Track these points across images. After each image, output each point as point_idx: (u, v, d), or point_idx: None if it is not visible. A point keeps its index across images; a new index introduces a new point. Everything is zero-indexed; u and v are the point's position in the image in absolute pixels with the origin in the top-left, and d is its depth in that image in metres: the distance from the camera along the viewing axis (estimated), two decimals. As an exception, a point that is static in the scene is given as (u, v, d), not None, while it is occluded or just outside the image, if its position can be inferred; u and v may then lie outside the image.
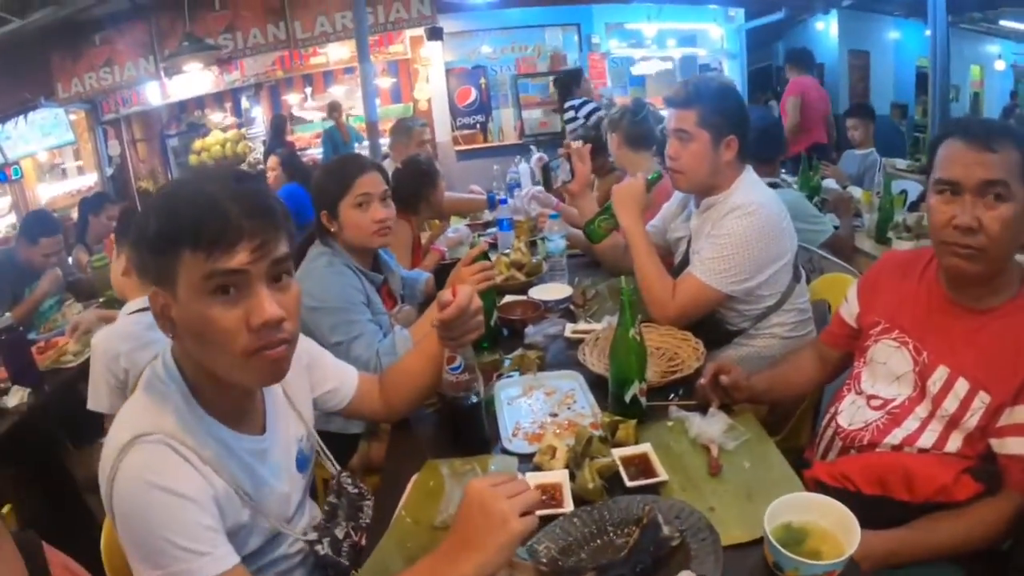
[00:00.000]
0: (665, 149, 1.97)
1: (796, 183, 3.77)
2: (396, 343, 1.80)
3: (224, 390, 1.04)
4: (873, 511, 1.05)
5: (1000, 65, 11.33)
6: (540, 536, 1.09)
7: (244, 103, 8.17)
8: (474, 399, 1.36)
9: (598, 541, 1.09)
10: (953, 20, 8.14)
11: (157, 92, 7.40)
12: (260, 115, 8.13)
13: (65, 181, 7.83)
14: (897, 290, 1.47)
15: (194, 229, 0.91)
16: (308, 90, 8.06)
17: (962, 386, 1.28)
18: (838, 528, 1.05)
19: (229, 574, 0.94)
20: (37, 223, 3.70)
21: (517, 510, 0.90)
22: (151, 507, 0.91)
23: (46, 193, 7.45)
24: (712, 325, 1.93)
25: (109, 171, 7.52)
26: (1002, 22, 8.61)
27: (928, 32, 6.58)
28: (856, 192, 3.87)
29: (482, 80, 7.87)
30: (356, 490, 1.31)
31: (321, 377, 1.36)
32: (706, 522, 1.08)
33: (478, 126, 7.93)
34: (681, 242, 2.13)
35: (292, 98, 8.04)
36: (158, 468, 0.93)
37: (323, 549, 1.17)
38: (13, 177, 7.01)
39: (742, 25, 8.03)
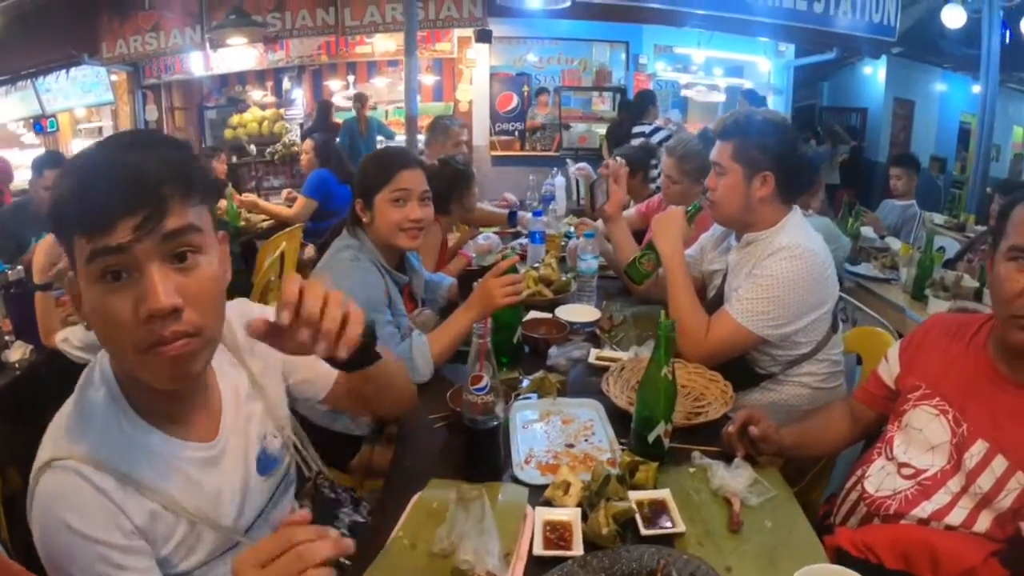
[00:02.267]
0: None
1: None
2: (412, 348, 1.76)
3: (159, 399, 0.93)
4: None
5: (1044, 129, 11.13)
6: (548, 578, 1.03)
7: (286, 84, 8.21)
8: (494, 423, 1.30)
9: (608, 591, 1.03)
10: (1002, 79, 8.01)
11: (200, 63, 7.43)
12: (300, 97, 8.15)
13: (100, 139, 7.89)
14: (943, 355, 1.40)
15: (75, 209, 0.80)
16: (351, 78, 8.08)
17: (1000, 464, 1.21)
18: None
19: None
20: (46, 158, 3.79)
21: None
22: (56, 541, 0.86)
23: (79, 149, 7.50)
24: (740, 366, 1.86)
25: (144, 135, 7.56)
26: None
27: (977, 88, 6.49)
28: (894, 244, 3.79)
29: (525, 88, 7.84)
30: (333, 495, 1.21)
31: (293, 365, 1.21)
32: (724, 584, 1.01)
33: (516, 133, 7.90)
34: (716, 275, 2.07)
35: (334, 84, 8.07)
36: (67, 502, 0.86)
37: None
38: (49, 129, 7.08)
39: (791, 61, 7.94)
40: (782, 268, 1.74)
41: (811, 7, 6.02)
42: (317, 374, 1.24)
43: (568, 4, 4.44)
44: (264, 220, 4.91)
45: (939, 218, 4.84)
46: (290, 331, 0.85)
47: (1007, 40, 7.14)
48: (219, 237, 0.91)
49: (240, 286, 3.39)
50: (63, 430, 0.91)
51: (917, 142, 9.01)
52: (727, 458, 1.36)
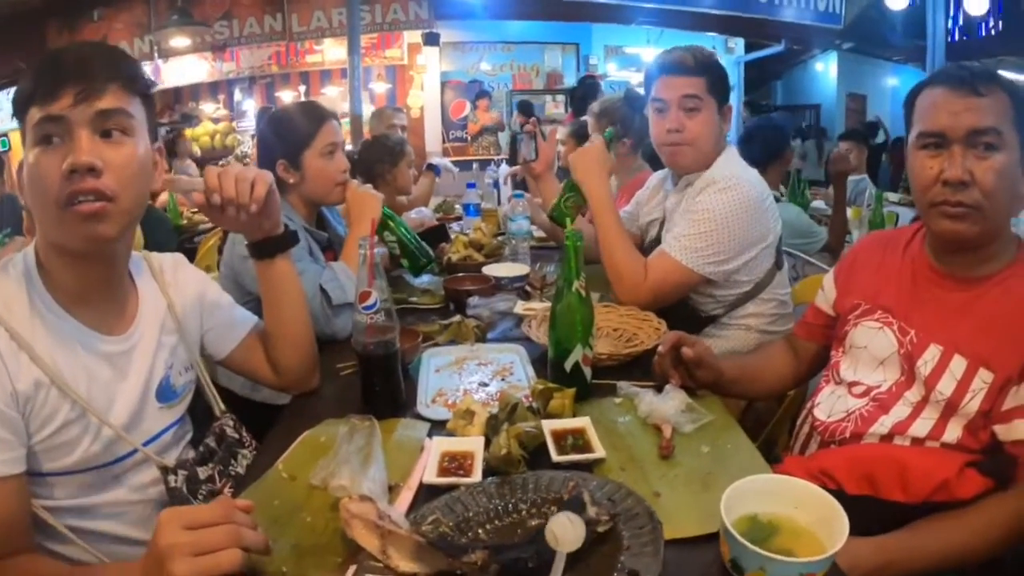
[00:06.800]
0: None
1: (785, 199, 3.64)
2: (336, 270, 1.65)
3: (71, 273, 0.99)
4: (859, 514, 0.82)
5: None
6: (433, 506, 0.87)
7: (237, 95, 8.05)
8: (389, 349, 1.14)
9: (507, 519, 0.87)
10: (951, 68, 8.16)
11: (151, 76, 7.23)
12: (252, 109, 7.99)
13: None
14: (878, 268, 1.29)
15: (32, 82, 0.93)
16: (303, 88, 7.93)
17: (958, 364, 1.09)
18: (819, 524, 0.82)
19: None
20: None
21: (190, 550, 0.72)
22: None
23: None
24: (682, 310, 1.72)
25: (97, 152, 7.34)
26: (1000, 72, 8.63)
27: (927, 79, 6.57)
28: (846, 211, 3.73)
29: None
30: (236, 436, 1.22)
31: (209, 313, 1.24)
32: (646, 508, 0.86)
33: (469, 138, 7.81)
34: (653, 225, 1.93)
35: (286, 95, 7.91)
36: None
37: (175, 481, 1.07)
38: (0, 148, 6.82)
39: (741, 57, 8.00)
40: (717, 200, 1.62)
41: (756, -3, 6.04)
42: (230, 325, 1.27)
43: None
44: (206, 220, 4.73)
45: (894, 196, 4.81)
46: (220, 210, 1.06)
47: (954, 31, 7.27)
48: (158, 147, 1.05)
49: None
50: None
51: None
52: (659, 389, 1.21)
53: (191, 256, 3.72)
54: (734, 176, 1.65)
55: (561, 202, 1.85)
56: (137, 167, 0.96)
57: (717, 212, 1.61)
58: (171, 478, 1.07)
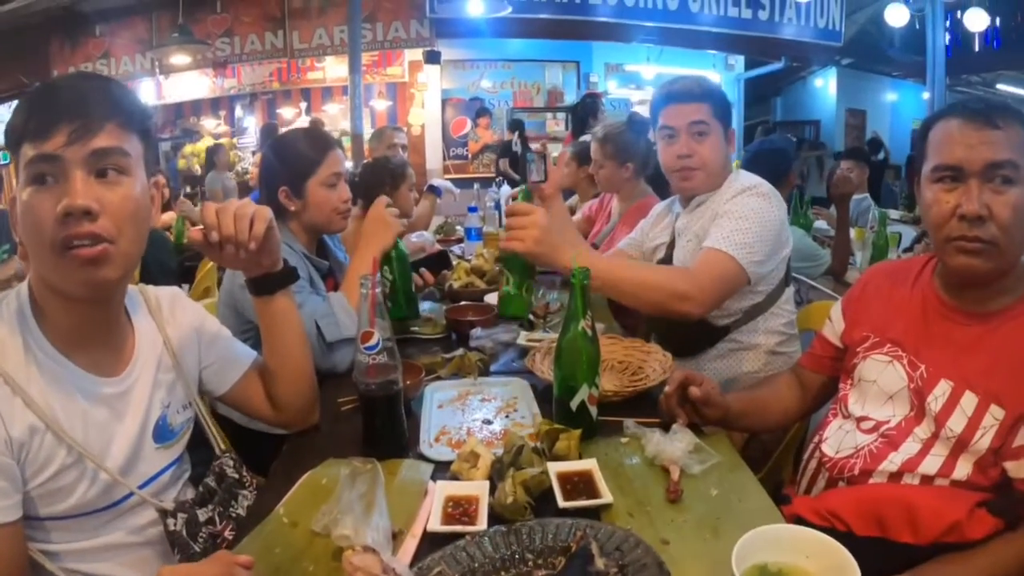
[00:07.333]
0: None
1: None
2: (332, 304, 1.60)
3: (68, 315, 0.96)
4: (869, 556, 0.80)
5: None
6: (437, 558, 0.85)
7: (238, 112, 8.10)
8: (392, 389, 1.12)
9: (512, 571, 0.85)
10: (951, 83, 8.22)
11: (152, 91, 7.30)
12: (253, 125, 8.04)
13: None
14: (887, 300, 1.27)
15: (24, 118, 0.89)
16: (304, 105, 7.98)
17: (969, 401, 1.07)
18: (829, 571, 0.80)
19: None
20: None
21: None
22: None
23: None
24: (694, 323, 1.66)
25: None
26: (999, 86, 8.67)
27: (926, 95, 6.60)
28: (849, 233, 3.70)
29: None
30: (236, 476, 1.16)
31: (207, 349, 1.20)
32: (656, 558, 0.84)
33: (469, 156, 7.83)
34: (660, 248, 1.93)
35: (287, 112, 7.95)
36: None
37: (175, 524, 1.03)
38: (2, 161, 6.84)
39: (741, 74, 8.03)
40: (757, 203, 1.64)
41: (756, 15, 6.08)
42: (228, 361, 1.23)
43: (509, 10, 4.35)
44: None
45: (895, 213, 4.81)
46: (218, 247, 1.04)
47: (953, 45, 7.31)
48: (155, 180, 1.01)
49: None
50: None
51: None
52: (665, 427, 1.19)
53: (192, 275, 3.74)
54: (765, 184, 1.71)
55: (522, 292, 1.53)
56: (134, 207, 0.93)
57: (761, 213, 1.63)
58: (170, 521, 1.03)
